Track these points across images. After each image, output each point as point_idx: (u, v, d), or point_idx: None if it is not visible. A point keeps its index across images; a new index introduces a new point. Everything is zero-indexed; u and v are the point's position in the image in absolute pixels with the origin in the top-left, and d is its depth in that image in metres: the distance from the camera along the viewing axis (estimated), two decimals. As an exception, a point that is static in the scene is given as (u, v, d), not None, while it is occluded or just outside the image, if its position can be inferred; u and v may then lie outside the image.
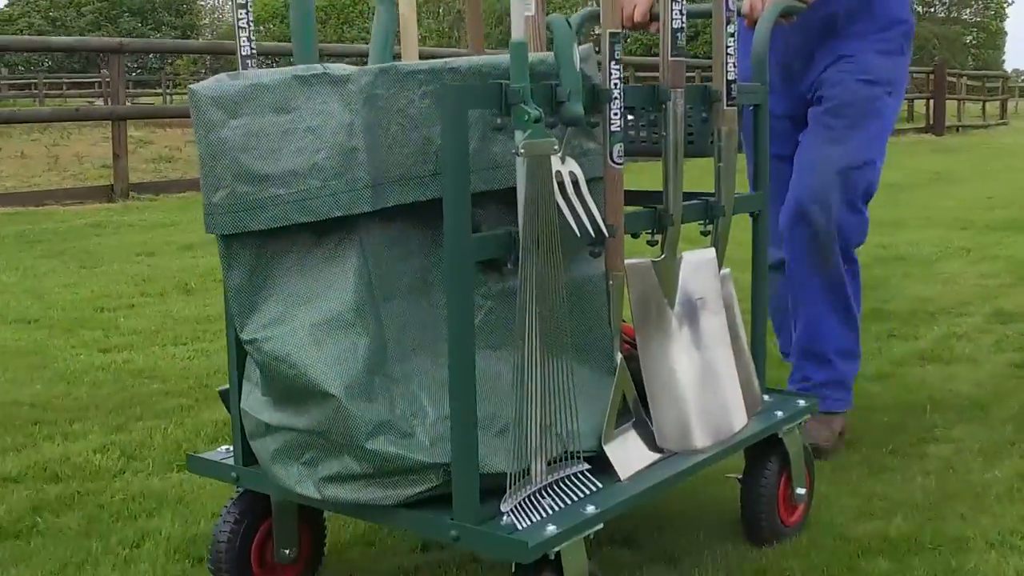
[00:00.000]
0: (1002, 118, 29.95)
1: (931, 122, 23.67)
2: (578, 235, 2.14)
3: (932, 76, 23.99)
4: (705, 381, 2.48)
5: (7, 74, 43.18)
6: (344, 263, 2.07)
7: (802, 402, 2.75)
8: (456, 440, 1.99)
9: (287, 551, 2.41)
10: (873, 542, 2.66)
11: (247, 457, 2.30)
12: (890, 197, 9.76)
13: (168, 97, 33.67)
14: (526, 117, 2.03)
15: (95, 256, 7.24)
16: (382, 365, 2.06)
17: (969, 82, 30.18)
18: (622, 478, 2.24)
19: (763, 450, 2.66)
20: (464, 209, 1.96)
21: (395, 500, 2.06)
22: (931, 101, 23.98)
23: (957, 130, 24.98)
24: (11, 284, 6.25)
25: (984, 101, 30.87)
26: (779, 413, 2.66)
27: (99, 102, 25.48)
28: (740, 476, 2.70)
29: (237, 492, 2.40)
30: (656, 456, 2.35)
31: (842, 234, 3.35)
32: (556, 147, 2.07)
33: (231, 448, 2.37)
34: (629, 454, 2.31)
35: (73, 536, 2.75)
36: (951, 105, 25.72)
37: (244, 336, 2.07)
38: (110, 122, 11.40)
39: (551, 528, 1.99)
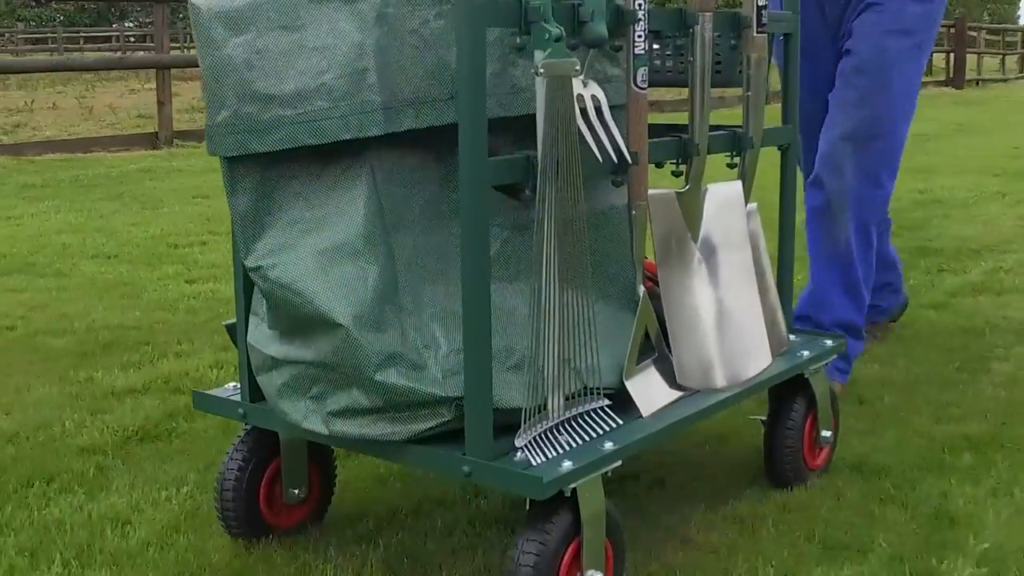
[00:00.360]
0: (1021, 72, 29.48)
1: (951, 75, 23.32)
2: (600, 162, 2.03)
3: (952, 30, 23.61)
4: (728, 319, 2.38)
5: (23, 28, 43.05)
6: (353, 189, 1.98)
7: (829, 342, 2.64)
8: (469, 372, 1.90)
9: (296, 491, 2.33)
10: (955, 440, 2.85)
11: (254, 393, 2.22)
12: (919, 146, 9.64)
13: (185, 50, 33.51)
14: (547, 35, 1.92)
15: (154, 198, 7.30)
16: (393, 295, 1.97)
17: (988, 36, 29.69)
18: (644, 415, 2.15)
19: (788, 391, 2.56)
20: (480, 131, 1.86)
21: (405, 435, 1.97)
22: (951, 55, 23.61)
23: (977, 84, 24.61)
24: (80, 224, 6.33)
25: (1003, 55, 30.39)
26: (805, 353, 2.55)
27: (131, 54, 25.36)
28: (765, 418, 2.60)
29: (244, 430, 2.32)
30: (678, 394, 2.26)
31: (856, 207, 3.18)
32: (578, 68, 1.96)
33: (239, 384, 2.29)
34: (651, 391, 2.22)
35: (211, 438, 2.92)
36: (970, 59, 25.31)
37: (249, 263, 1.99)
38: (135, 76, 11.31)
39: (567, 464, 1.90)
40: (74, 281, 4.84)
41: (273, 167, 1.98)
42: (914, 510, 2.45)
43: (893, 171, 3.25)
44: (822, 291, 3.27)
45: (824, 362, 2.59)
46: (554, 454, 1.95)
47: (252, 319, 2.17)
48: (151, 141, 11.00)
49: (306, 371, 2.01)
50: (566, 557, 1.91)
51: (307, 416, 2.03)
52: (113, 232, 6.04)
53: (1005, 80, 26.97)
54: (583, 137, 2.00)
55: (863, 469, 2.69)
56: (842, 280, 3.25)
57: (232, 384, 2.35)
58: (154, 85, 11.42)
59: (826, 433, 2.61)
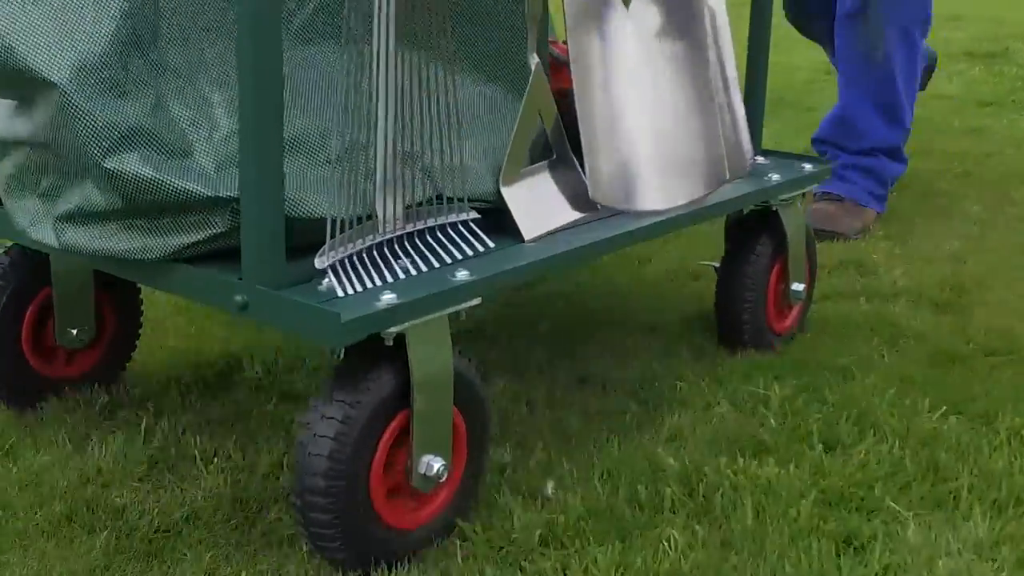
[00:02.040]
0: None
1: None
2: None
3: None
4: (667, 118, 1.73)
5: None
6: None
7: (808, 166, 2.01)
8: (247, 160, 1.27)
9: (75, 331, 1.74)
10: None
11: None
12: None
13: None
14: None
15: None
16: (149, 45, 1.34)
17: None
18: (525, 237, 1.53)
19: (750, 228, 1.96)
20: None
21: (162, 252, 1.35)
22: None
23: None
24: None
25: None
26: (774, 177, 1.92)
27: None
28: (718, 264, 1.99)
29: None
30: (582, 214, 1.63)
31: (894, 6, 2.65)
32: None
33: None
34: (540, 206, 1.59)
35: None
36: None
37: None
38: None
39: (388, 298, 1.29)
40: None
41: None
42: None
43: None
44: (854, 114, 2.77)
45: (802, 191, 1.97)
46: (378, 283, 1.34)
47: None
48: None
49: (32, 156, 1.40)
50: (386, 436, 1.32)
51: (36, 221, 1.43)
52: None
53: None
54: None
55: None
56: (880, 99, 2.74)
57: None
58: None
59: (798, 287, 2.00)
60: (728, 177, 1.81)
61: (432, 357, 1.32)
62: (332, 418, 1.28)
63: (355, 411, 1.28)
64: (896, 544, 1.42)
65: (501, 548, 1.41)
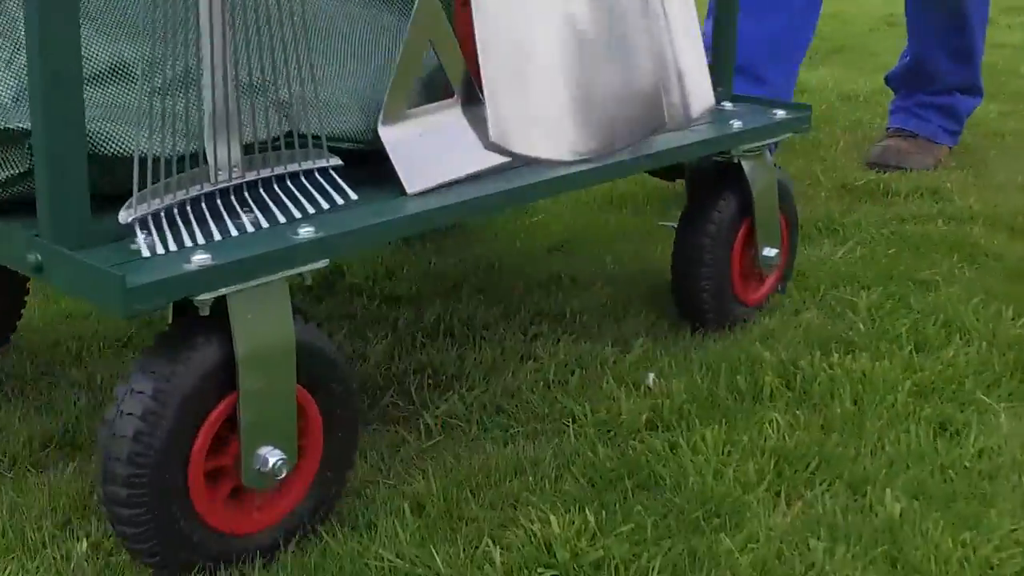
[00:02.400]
0: None
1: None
2: None
3: None
4: (586, 56, 1.48)
5: None
6: None
7: (781, 113, 1.76)
8: (37, 89, 1.03)
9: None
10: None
11: None
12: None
13: None
14: None
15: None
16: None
17: None
18: (408, 190, 1.31)
19: (710, 184, 1.73)
20: None
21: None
22: None
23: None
24: None
25: None
26: (735, 124, 1.68)
27: None
28: (675, 224, 1.78)
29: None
30: (486, 162, 1.39)
31: None
32: None
33: None
34: (431, 154, 1.35)
35: None
36: None
37: None
38: None
39: (200, 259, 1.06)
40: None
41: None
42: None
43: None
44: (926, 61, 2.74)
45: (772, 140, 1.73)
46: (199, 242, 1.13)
47: None
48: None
49: None
50: (210, 420, 1.11)
51: None
52: None
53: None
54: None
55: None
56: (952, 44, 2.70)
57: None
58: None
59: (770, 252, 1.78)
60: (668, 124, 1.59)
61: (262, 328, 1.11)
62: (141, 392, 1.07)
63: (168, 386, 1.07)
64: (989, 430, 1.47)
65: (609, 430, 1.47)
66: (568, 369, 1.62)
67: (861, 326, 1.76)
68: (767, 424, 1.46)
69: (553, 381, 1.59)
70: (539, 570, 1.18)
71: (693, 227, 1.70)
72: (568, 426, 1.47)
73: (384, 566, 1.18)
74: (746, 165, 1.69)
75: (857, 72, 3.74)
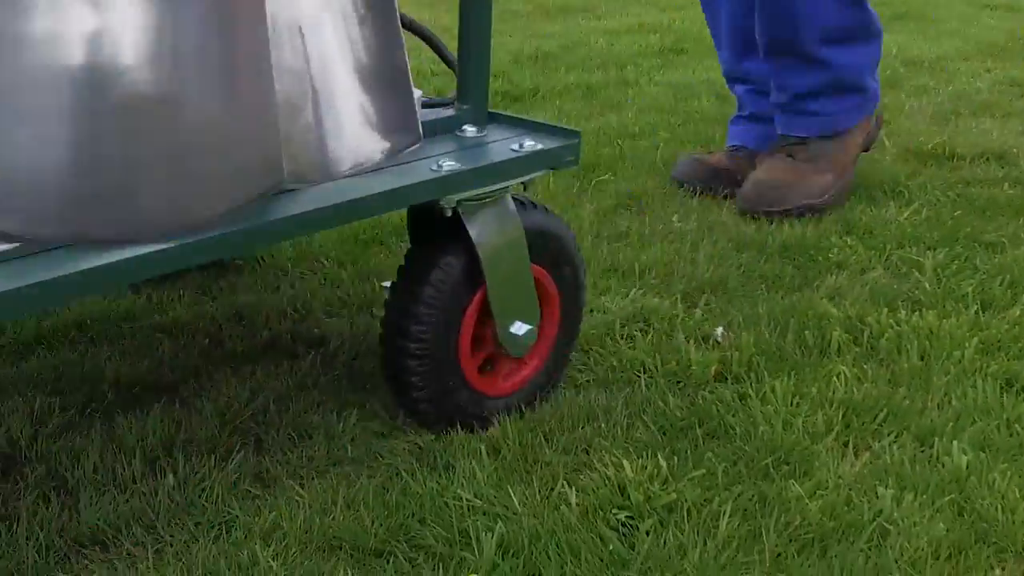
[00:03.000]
0: None
1: None
2: None
3: None
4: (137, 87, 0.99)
5: None
6: None
7: (532, 143, 1.34)
8: None
9: None
10: None
11: None
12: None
13: None
14: None
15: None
16: None
17: None
18: None
19: (427, 244, 1.32)
20: None
21: None
22: None
23: None
24: None
25: None
26: (448, 165, 1.25)
27: None
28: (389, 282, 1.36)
29: None
30: None
31: None
32: None
33: None
34: None
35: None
36: None
37: None
38: None
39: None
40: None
41: None
42: None
43: None
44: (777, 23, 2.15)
45: (513, 182, 1.32)
46: None
47: None
48: None
49: None
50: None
51: None
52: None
53: None
54: None
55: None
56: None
57: None
58: None
59: (519, 329, 1.37)
60: (285, 179, 1.13)
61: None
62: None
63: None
64: (1057, 388, 1.48)
65: (679, 382, 1.50)
66: (636, 323, 1.65)
67: (927, 285, 1.77)
68: (835, 377, 1.49)
69: (622, 335, 1.62)
70: (613, 511, 1.21)
71: (404, 300, 1.30)
72: (639, 377, 1.51)
73: (462, 505, 1.22)
74: (469, 220, 1.29)
75: (921, 38, 3.72)
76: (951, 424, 1.39)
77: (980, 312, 1.68)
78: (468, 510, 1.22)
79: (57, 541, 1.17)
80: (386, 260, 1.87)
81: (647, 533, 1.18)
